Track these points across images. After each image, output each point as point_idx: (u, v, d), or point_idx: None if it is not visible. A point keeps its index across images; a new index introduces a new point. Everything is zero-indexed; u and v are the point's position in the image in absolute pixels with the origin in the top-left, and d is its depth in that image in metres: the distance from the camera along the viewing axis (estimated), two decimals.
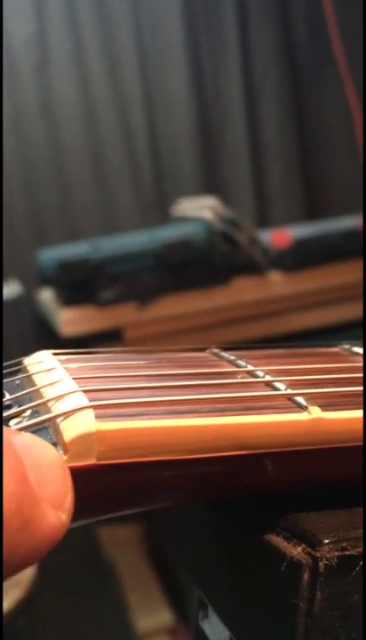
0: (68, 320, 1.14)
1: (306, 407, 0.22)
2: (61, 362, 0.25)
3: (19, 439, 0.17)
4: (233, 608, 0.23)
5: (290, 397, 0.22)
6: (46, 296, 1.28)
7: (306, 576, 0.20)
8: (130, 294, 1.14)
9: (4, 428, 0.18)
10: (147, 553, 1.33)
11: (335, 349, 0.31)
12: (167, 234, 1.18)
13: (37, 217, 1.47)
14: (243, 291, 1.20)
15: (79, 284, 1.14)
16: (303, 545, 0.20)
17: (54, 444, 0.19)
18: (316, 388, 0.24)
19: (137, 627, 1.16)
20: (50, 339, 1.27)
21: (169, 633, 1.19)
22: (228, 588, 0.24)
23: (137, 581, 1.25)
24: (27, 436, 0.18)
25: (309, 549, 0.20)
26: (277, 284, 1.22)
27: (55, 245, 1.30)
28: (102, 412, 0.20)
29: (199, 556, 0.26)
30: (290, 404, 0.22)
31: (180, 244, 1.15)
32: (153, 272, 1.15)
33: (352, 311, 1.24)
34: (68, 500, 0.17)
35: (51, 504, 0.17)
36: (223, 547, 0.24)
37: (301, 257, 1.22)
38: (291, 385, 0.23)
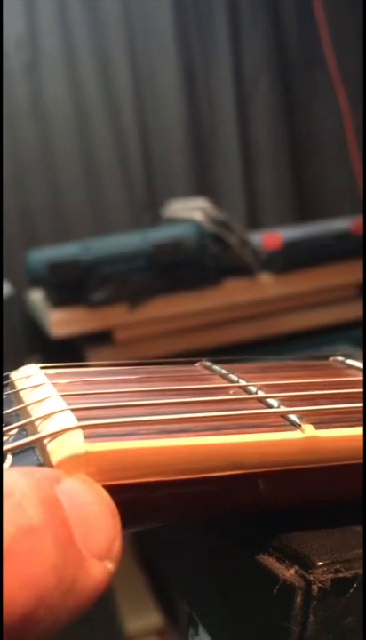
0: (58, 321, 1.14)
1: (300, 425, 0.21)
2: (49, 377, 0.24)
3: (65, 488, 0.17)
4: (223, 627, 0.23)
5: (283, 415, 0.22)
6: (36, 297, 1.28)
7: (299, 599, 0.19)
8: (120, 295, 1.13)
9: (52, 474, 0.17)
10: (137, 554, 1.33)
11: (328, 361, 0.31)
12: (158, 235, 1.17)
13: (28, 217, 1.47)
14: (234, 292, 1.20)
15: (69, 284, 1.13)
16: (296, 567, 0.20)
17: (41, 465, 0.19)
18: (310, 404, 0.23)
19: (126, 628, 1.15)
20: (39, 340, 1.26)
21: (158, 635, 1.19)
22: (219, 607, 0.23)
23: (126, 583, 1.24)
24: (75, 481, 0.17)
25: (302, 572, 0.20)
26: (268, 285, 1.22)
27: (46, 246, 1.29)
28: (91, 431, 0.19)
29: (189, 572, 0.25)
30: (284, 421, 0.22)
31: (171, 246, 1.14)
32: (143, 273, 1.15)
33: (342, 313, 1.24)
34: (116, 545, 0.17)
35: (97, 556, 0.16)
36: (214, 565, 0.23)
37: (291, 259, 1.22)
38: (285, 401, 0.23)
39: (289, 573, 0.20)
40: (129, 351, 1.16)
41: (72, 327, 1.14)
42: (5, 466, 0.19)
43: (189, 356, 0.30)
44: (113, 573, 0.17)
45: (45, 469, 0.17)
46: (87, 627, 1.11)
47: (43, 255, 1.16)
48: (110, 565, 0.17)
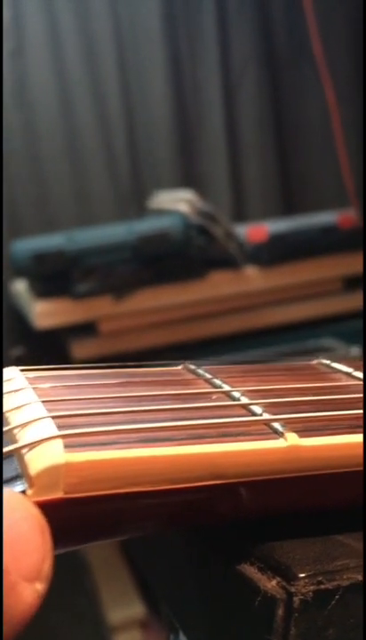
0: (42, 312, 1.13)
1: (283, 433, 0.21)
2: (30, 380, 0.24)
3: None
4: (204, 636, 0.23)
5: (266, 423, 0.22)
6: (20, 287, 1.27)
7: (280, 611, 0.19)
8: (105, 287, 1.13)
9: None
10: (120, 545, 1.33)
11: (312, 363, 0.30)
12: (143, 226, 1.17)
13: (12, 207, 1.45)
14: (219, 285, 1.19)
15: (54, 275, 1.13)
16: (278, 578, 0.20)
17: (19, 476, 0.18)
18: (294, 411, 0.23)
19: (108, 619, 1.15)
20: (23, 331, 1.25)
21: (141, 625, 1.19)
22: (200, 616, 0.23)
23: (109, 573, 1.24)
24: (3, 497, 0.17)
25: (284, 583, 0.20)
26: (253, 278, 1.21)
27: (30, 237, 1.28)
28: (72, 440, 0.19)
29: (171, 580, 0.25)
30: (267, 429, 0.21)
31: (156, 237, 1.14)
32: (128, 264, 1.14)
33: (328, 307, 1.24)
34: (46, 565, 0.16)
35: (27, 578, 0.16)
36: (196, 573, 0.23)
37: (277, 252, 1.22)
38: (268, 408, 0.23)
39: (270, 585, 0.20)
40: (114, 343, 1.15)
41: (56, 318, 1.13)
42: None
43: (174, 349, 0.30)
44: (43, 595, 0.16)
45: None
46: (70, 617, 1.11)
47: (27, 246, 1.15)
48: (40, 587, 0.16)
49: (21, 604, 0.15)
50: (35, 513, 0.17)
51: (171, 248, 1.14)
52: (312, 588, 0.19)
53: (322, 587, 0.19)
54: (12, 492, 0.17)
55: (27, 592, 0.16)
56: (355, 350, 1.03)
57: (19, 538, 0.16)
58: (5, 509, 0.16)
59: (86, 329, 1.15)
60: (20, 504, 0.17)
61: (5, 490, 0.17)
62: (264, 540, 0.21)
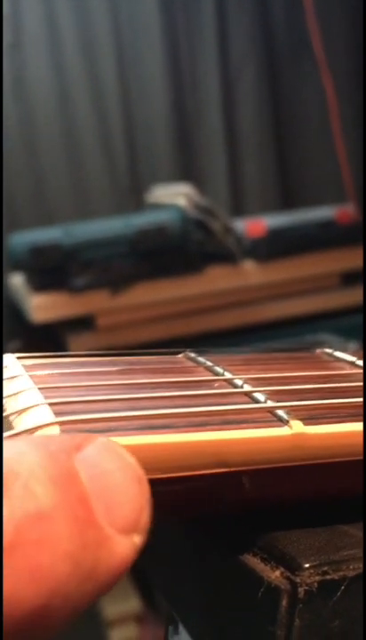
0: (39, 306, 1.12)
1: (288, 421, 0.20)
2: (26, 368, 0.23)
3: (85, 456, 0.15)
4: (205, 629, 0.22)
5: (270, 410, 0.21)
6: (17, 281, 1.26)
7: (284, 602, 0.19)
8: (102, 281, 1.12)
9: (70, 444, 0.16)
10: None
11: (316, 353, 0.30)
12: (141, 220, 1.16)
13: (10, 201, 1.44)
14: (217, 279, 1.19)
15: (51, 269, 1.12)
16: (282, 568, 0.19)
17: None
18: (298, 398, 0.22)
19: (105, 613, 1.15)
20: (20, 324, 1.25)
21: (137, 620, 1.19)
22: (201, 607, 0.22)
23: None
24: (97, 447, 0.16)
25: (288, 574, 0.19)
26: (251, 273, 1.21)
27: (28, 230, 1.27)
28: (69, 427, 0.18)
29: (171, 571, 0.25)
30: (271, 417, 0.21)
31: (154, 231, 1.13)
32: (126, 259, 1.13)
33: (325, 302, 1.24)
34: (144, 516, 0.16)
35: (123, 530, 0.15)
36: (197, 564, 0.23)
37: (275, 246, 1.22)
38: (272, 395, 0.22)
39: (274, 575, 0.19)
40: (110, 337, 1.15)
41: (53, 312, 1.13)
42: None
43: (171, 343, 0.29)
44: (140, 547, 0.16)
45: (63, 437, 0.16)
46: None
47: (24, 239, 1.14)
48: (137, 539, 0.16)
49: (113, 559, 0.15)
50: (131, 462, 0.16)
51: (169, 242, 1.14)
52: (317, 578, 0.19)
53: (328, 577, 0.19)
54: (107, 440, 0.16)
55: (122, 545, 0.15)
56: (352, 346, 1.02)
57: (114, 488, 0.15)
58: (99, 461, 0.16)
59: (83, 323, 1.14)
60: (115, 453, 0.16)
61: (102, 439, 0.16)
62: (267, 530, 0.21)
